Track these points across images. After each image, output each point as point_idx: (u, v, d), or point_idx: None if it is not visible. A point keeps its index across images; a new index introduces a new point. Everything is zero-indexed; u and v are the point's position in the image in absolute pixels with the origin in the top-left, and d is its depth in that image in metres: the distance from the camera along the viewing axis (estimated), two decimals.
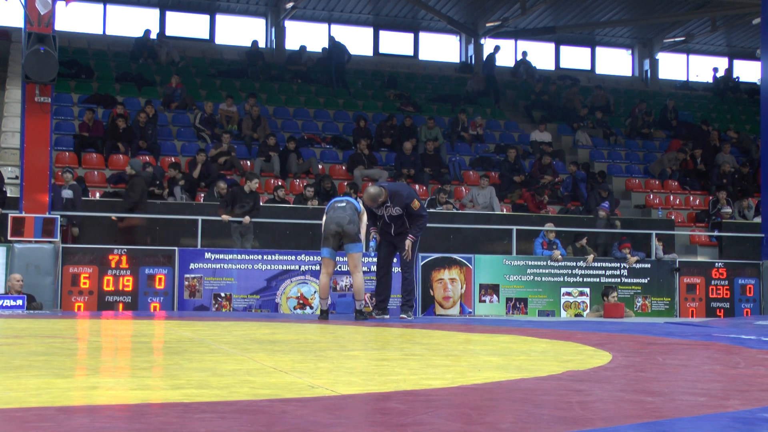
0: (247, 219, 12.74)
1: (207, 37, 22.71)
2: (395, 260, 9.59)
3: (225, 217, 12.72)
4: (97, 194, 14.79)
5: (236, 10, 22.76)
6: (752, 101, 23.99)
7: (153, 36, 20.95)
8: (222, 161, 16.09)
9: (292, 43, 22.66)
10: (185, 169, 15.39)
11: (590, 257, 13.59)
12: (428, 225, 9.79)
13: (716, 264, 14.30)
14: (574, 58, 26.09)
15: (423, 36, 24.53)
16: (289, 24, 22.84)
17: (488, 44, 24.01)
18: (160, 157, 16.31)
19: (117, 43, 21.22)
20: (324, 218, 9.01)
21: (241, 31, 22.81)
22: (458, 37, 24.63)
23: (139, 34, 20.80)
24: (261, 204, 13.59)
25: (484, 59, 23.17)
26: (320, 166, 16.57)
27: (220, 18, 22.79)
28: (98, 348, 5.71)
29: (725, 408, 3.03)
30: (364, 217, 9.11)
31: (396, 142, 18.15)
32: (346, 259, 9.32)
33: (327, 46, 21.59)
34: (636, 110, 21.85)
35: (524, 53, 24.40)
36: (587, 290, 13.43)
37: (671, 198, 18.83)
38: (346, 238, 8.83)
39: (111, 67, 19.96)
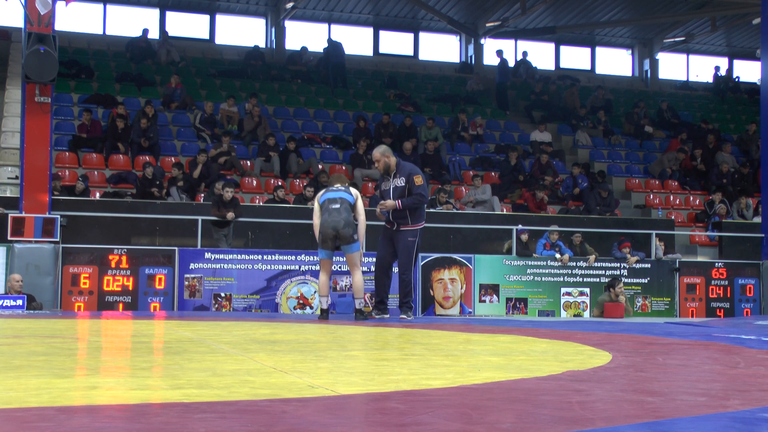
0: (231, 215, 12.83)
1: (207, 37, 22.71)
2: (394, 262, 9.54)
3: (230, 215, 12.76)
4: (97, 194, 14.78)
5: (236, 10, 22.75)
6: (752, 101, 23.99)
7: (150, 36, 20.92)
8: (222, 161, 16.09)
9: (292, 43, 22.67)
10: (185, 170, 15.38)
11: (592, 258, 13.59)
12: (428, 225, 9.76)
13: (716, 264, 14.29)
14: (574, 58, 26.09)
15: (423, 36, 24.52)
16: (289, 24, 22.84)
17: (488, 44, 24.02)
18: (160, 157, 16.32)
19: (117, 43, 21.21)
20: (317, 218, 8.85)
21: (241, 31, 22.83)
22: (458, 37, 24.62)
23: (139, 33, 20.78)
24: (261, 204, 13.59)
25: (515, 65, 22.90)
26: (320, 166, 16.57)
27: (220, 18, 22.79)
28: (98, 348, 5.71)
29: (725, 408, 3.03)
30: (362, 217, 8.96)
31: (396, 142, 18.15)
32: (345, 258, 9.29)
33: (326, 47, 21.57)
34: (635, 110, 21.88)
35: (524, 53, 24.40)
36: (587, 290, 13.43)
37: (671, 198, 18.83)
38: (342, 241, 8.77)
39: (111, 67, 19.95)
